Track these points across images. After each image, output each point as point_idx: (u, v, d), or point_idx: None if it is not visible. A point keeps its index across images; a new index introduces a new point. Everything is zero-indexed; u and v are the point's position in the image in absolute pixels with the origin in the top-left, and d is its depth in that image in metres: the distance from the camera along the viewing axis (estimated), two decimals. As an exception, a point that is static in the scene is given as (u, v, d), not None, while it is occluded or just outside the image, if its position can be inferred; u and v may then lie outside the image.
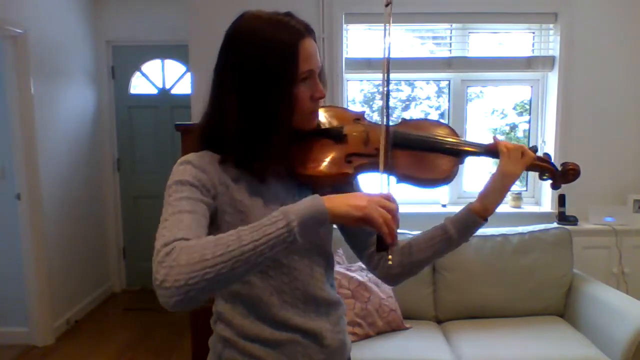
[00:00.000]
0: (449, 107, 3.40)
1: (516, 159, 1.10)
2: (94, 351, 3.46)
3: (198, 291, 0.80)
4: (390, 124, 1.06)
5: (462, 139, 1.15)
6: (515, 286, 2.77)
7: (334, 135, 1.10)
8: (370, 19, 3.23)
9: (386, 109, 1.03)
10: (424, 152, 1.12)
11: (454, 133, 1.18)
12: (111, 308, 4.28)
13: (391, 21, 1.01)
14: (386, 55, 1.01)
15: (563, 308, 2.80)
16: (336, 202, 0.88)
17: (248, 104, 1.00)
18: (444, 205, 3.29)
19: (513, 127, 3.61)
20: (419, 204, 3.28)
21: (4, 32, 3.18)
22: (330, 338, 1.11)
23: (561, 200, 3.12)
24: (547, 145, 3.28)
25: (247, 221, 0.91)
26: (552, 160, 1.20)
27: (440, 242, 1.13)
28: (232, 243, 0.82)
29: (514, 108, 3.57)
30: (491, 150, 1.14)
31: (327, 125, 1.13)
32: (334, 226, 1.15)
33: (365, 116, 1.20)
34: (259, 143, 1.00)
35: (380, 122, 1.06)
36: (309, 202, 0.88)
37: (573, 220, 3.09)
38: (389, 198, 0.93)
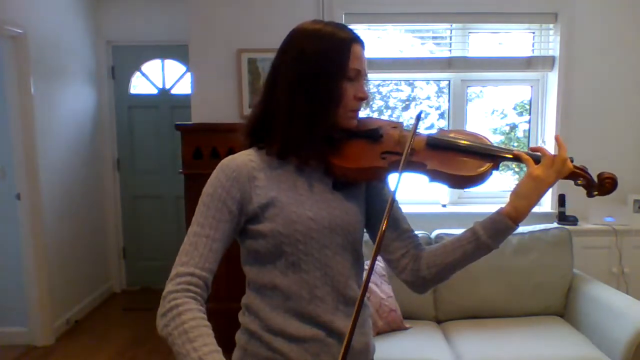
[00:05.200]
0: (449, 107, 3.40)
1: (548, 165, 1.06)
2: (94, 351, 3.46)
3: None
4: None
5: (498, 145, 1.15)
6: (515, 286, 2.77)
7: (372, 135, 1.16)
8: (370, 19, 3.23)
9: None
10: (459, 153, 1.12)
11: (488, 141, 1.16)
12: (111, 308, 4.28)
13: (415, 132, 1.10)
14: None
15: (563, 308, 2.80)
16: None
17: (301, 91, 1.07)
18: (444, 205, 3.26)
19: (513, 127, 3.61)
20: (419, 203, 3.28)
21: (3, 32, 3.18)
22: (354, 340, 1.07)
23: (561, 200, 3.12)
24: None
25: (282, 215, 1.05)
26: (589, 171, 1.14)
27: (469, 244, 1.09)
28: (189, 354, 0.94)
29: (514, 108, 3.57)
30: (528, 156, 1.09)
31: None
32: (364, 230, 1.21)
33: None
34: (304, 132, 1.07)
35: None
36: None
37: (573, 220, 3.08)
38: None
